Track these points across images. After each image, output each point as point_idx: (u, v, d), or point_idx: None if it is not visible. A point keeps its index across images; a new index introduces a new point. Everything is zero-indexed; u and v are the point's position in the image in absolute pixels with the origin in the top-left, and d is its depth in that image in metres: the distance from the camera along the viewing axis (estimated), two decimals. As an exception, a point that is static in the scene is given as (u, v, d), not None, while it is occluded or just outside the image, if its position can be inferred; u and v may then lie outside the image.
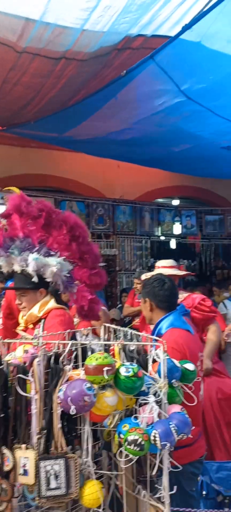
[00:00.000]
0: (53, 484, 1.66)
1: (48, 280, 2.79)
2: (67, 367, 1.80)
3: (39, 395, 1.76)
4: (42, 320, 2.82)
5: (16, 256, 2.82)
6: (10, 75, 4.44)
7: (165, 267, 4.29)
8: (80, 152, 6.94)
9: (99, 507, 1.71)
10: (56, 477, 1.67)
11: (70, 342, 1.89)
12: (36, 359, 1.79)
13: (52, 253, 2.83)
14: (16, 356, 1.93)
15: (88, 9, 3.69)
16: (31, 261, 2.79)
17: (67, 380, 1.76)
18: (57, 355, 1.85)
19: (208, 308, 3.99)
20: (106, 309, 4.61)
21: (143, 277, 4.58)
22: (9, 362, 1.87)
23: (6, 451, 1.74)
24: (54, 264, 2.76)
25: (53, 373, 1.77)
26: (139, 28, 4.09)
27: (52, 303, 2.85)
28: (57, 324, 2.67)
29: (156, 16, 3.96)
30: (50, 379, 1.77)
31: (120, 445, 1.78)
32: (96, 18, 3.81)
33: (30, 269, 2.79)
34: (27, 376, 1.78)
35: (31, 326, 2.88)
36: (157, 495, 1.73)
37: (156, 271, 4.21)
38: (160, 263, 4.50)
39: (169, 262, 4.47)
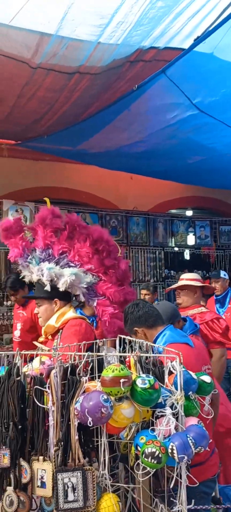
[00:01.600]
0: (70, 497, 1.66)
1: (61, 289, 2.82)
2: (84, 379, 1.80)
3: (56, 406, 1.77)
4: (60, 331, 2.84)
5: (34, 266, 2.89)
6: (24, 90, 4.51)
7: (188, 279, 4.25)
8: (93, 165, 6.99)
9: (116, 520, 1.70)
10: (74, 489, 1.67)
11: (86, 354, 1.89)
12: (53, 371, 1.80)
13: (72, 264, 2.87)
14: (33, 367, 1.94)
15: (101, 26, 3.73)
16: (45, 271, 2.85)
17: (84, 392, 1.77)
18: (73, 367, 1.86)
19: (220, 330, 3.85)
20: None
21: None
22: (26, 373, 1.89)
23: (24, 463, 1.75)
24: (67, 275, 2.79)
25: (70, 384, 1.78)
26: (151, 41, 4.12)
27: (70, 314, 2.85)
28: (71, 334, 2.68)
29: (168, 29, 3.99)
30: (67, 390, 1.78)
31: (137, 458, 1.77)
32: (110, 33, 3.85)
33: (44, 278, 2.84)
34: (45, 387, 1.79)
35: (50, 337, 2.91)
36: (175, 509, 1.71)
37: (180, 283, 4.23)
38: (184, 275, 4.48)
39: (193, 275, 4.43)
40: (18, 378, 1.80)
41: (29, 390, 1.83)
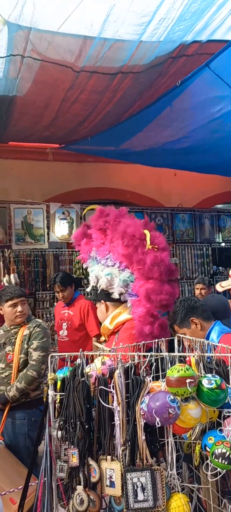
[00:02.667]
0: (140, 497, 1.67)
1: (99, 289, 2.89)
2: (148, 379, 1.81)
3: (121, 406, 1.78)
4: (118, 333, 2.84)
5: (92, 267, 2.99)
6: (68, 94, 4.58)
7: None
8: (137, 164, 6.99)
9: (186, 520, 1.70)
10: (143, 489, 1.68)
11: (149, 354, 1.90)
12: (117, 371, 1.82)
13: (110, 263, 2.90)
14: (95, 368, 1.97)
15: (143, 24, 3.72)
16: (92, 273, 2.93)
17: (148, 392, 1.78)
18: (134, 367, 1.87)
19: None
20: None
21: None
22: (89, 374, 1.92)
23: (92, 462, 1.77)
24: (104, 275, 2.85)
25: (134, 384, 1.79)
26: (193, 35, 4.07)
27: (124, 316, 2.84)
28: (125, 338, 2.67)
29: (211, 21, 3.93)
30: (131, 390, 1.79)
31: (202, 458, 1.76)
32: (152, 31, 3.84)
33: (91, 280, 2.93)
34: (109, 387, 1.82)
35: (106, 338, 2.95)
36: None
37: (229, 281, 4.15)
38: None
39: None
40: (83, 379, 1.83)
41: (93, 390, 1.86)
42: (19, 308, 3.79)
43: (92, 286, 3.04)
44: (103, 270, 2.88)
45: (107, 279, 2.84)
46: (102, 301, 2.93)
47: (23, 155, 6.72)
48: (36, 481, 3.14)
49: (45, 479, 1.82)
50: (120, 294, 2.84)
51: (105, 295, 2.89)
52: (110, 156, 6.55)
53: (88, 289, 3.26)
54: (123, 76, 4.39)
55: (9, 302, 3.79)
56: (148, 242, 2.67)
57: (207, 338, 2.62)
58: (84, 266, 3.22)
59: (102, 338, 2.99)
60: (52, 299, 6.72)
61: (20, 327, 3.82)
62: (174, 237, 7.91)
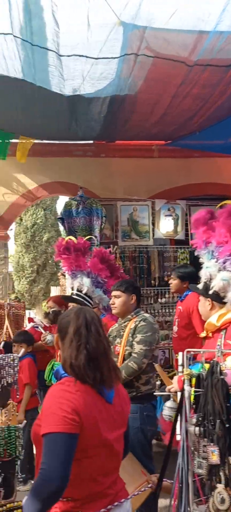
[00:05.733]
0: None
1: (210, 291, 2.84)
2: None
3: None
4: (224, 330, 2.80)
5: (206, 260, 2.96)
6: (180, 89, 4.54)
7: None
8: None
9: None
10: None
11: None
12: None
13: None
14: (227, 366, 1.93)
15: None
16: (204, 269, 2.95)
17: None
18: None
19: None
20: None
21: None
22: (224, 372, 1.88)
23: (233, 462, 1.74)
24: (220, 278, 2.79)
25: None
26: None
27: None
28: None
29: None
30: None
31: None
32: None
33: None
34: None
35: (210, 334, 2.91)
36: None
37: None
38: None
39: None
40: (222, 376, 1.80)
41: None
42: (111, 301, 4.10)
43: (204, 282, 3.00)
44: (220, 272, 2.83)
45: (224, 283, 2.79)
46: (210, 299, 2.88)
47: (129, 152, 6.84)
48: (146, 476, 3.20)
49: (181, 475, 1.83)
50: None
51: (215, 296, 2.86)
52: (218, 150, 6.38)
53: (200, 286, 3.22)
54: (238, 67, 4.24)
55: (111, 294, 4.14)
56: None
57: None
58: (195, 254, 3.17)
59: (203, 334, 2.94)
60: (156, 295, 6.76)
61: (129, 320, 3.95)
62: None
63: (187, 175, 6.98)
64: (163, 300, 6.64)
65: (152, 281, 6.74)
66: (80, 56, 3.99)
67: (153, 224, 6.70)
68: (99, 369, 1.88)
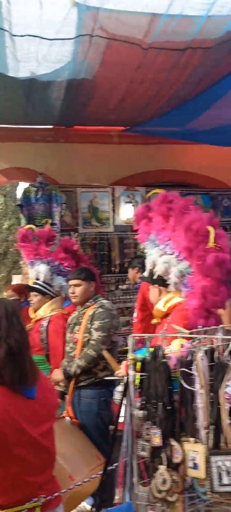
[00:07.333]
0: (225, 480, 1.65)
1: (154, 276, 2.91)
2: (232, 362, 1.76)
3: (204, 389, 1.75)
4: (169, 315, 2.88)
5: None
6: (136, 73, 4.53)
7: None
8: (201, 144, 6.81)
9: None
10: (228, 473, 1.65)
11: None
12: (200, 354, 1.79)
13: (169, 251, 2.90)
14: (173, 350, 1.95)
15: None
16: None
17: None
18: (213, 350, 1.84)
19: None
20: None
21: None
22: (167, 355, 1.90)
23: (174, 443, 1.77)
24: (161, 262, 2.85)
25: (218, 368, 1.75)
26: None
27: (176, 299, 2.88)
28: (178, 318, 2.69)
29: None
30: (215, 374, 1.76)
31: None
32: (222, 2, 3.67)
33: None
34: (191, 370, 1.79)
35: (159, 320, 2.99)
36: None
37: None
38: None
39: None
40: (165, 360, 1.82)
41: (174, 371, 1.85)
42: (70, 290, 4.09)
43: (149, 270, 3.07)
44: (161, 257, 2.91)
45: (165, 266, 2.87)
46: (156, 285, 2.93)
47: (89, 138, 6.76)
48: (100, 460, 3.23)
49: (126, 458, 1.84)
50: (175, 283, 2.84)
51: (161, 281, 2.94)
52: (176, 136, 6.43)
53: (145, 273, 3.28)
54: (193, 51, 4.25)
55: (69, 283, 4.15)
56: (211, 240, 2.65)
57: None
58: (141, 247, 3.26)
59: (155, 321, 3.00)
60: (117, 282, 6.77)
61: (88, 307, 3.96)
62: (242, 219, 7.64)
63: (146, 161, 6.98)
64: (124, 286, 6.66)
65: (113, 268, 6.74)
66: (34, 36, 3.89)
67: (113, 211, 6.69)
68: (21, 365, 1.80)
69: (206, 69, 4.61)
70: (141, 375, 1.90)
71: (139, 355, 1.94)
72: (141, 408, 1.86)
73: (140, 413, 1.85)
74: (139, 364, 1.93)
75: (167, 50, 4.19)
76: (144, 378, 1.87)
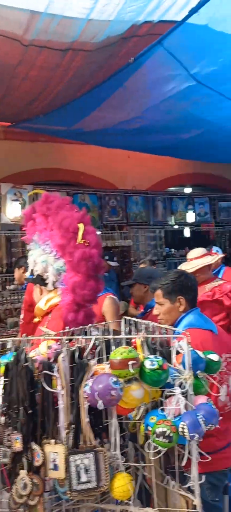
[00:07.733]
0: (83, 478, 1.68)
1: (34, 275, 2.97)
2: (92, 362, 1.81)
3: (65, 390, 1.78)
4: (50, 314, 2.91)
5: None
6: (18, 70, 4.43)
7: (198, 257, 4.19)
8: (90, 145, 6.92)
9: (129, 499, 1.73)
10: (86, 470, 1.69)
11: (94, 337, 1.90)
12: (61, 355, 1.80)
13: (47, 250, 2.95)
14: (40, 352, 1.95)
15: (91, 3, 3.64)
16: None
17: (93, 375, 1.78)
18: (80, 350, 1.87)
19: None
20: (117, 298, 4.53)
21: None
22: (33, 358, 1.89)
23: (35, 446, 1.76)
24: (40, 262, 2.89)
25: (79, 368, 1.79)
26: (145, 15, 4.04)
27: (57, 299, 2.89)
28: (58, 317, 2.73)
29: (162, 1, 3.91)
30: (75, 374, 1.79)
31: (147, 437, 1.79)
32: (102, 7, 3.76)
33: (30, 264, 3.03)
34: (53, 371, 1.80)
35: (40, 318, 3.00)
36: (187, 485, 1.73)
37: (190, 264, 4.15)
38: (192, 254, 4.35)
39: (200, 251, 4.31)
40: (27, 364, 1.80)
41: (38, 375, 1.84)
42: None
43: (31, 270, 3.07)
44: (40, 256, 2.93)
45: (43, 265, 2.92)
46: (38, 284, 2.97)
47: None
48: None
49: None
50: (53, 281, 2.91)
51: (41, 280, 2.96)
52: (63, 135, 6.44)
53: (27, 274, 3.27)
54: (74, 53, 4.29)
55: None
56: (80, 236, 2.73)
57: (179, 322, 2.66)
58: (27, 249, 3.24)
59: (36, 319, 3.01)
60: (4, 282, 6.58)
61: None
62: (128, 219, 7.95)
63: (35, 159, 6.90)
64: (12, 286, 6.49)
65: (0, 268, 6.53)
66: None
67: (0, 209, 6.47)
68: None
69: (88, 71, 4.68)
70: (5, 381, 1.86)
71: (3, 360, 1.90)
72: (2, 414, 1.82)
73: (1, 419, 1.81)
74: (2, 369, 1.89)
75: (48, 49, 4.17)
76: (6, 383, 1.83)
